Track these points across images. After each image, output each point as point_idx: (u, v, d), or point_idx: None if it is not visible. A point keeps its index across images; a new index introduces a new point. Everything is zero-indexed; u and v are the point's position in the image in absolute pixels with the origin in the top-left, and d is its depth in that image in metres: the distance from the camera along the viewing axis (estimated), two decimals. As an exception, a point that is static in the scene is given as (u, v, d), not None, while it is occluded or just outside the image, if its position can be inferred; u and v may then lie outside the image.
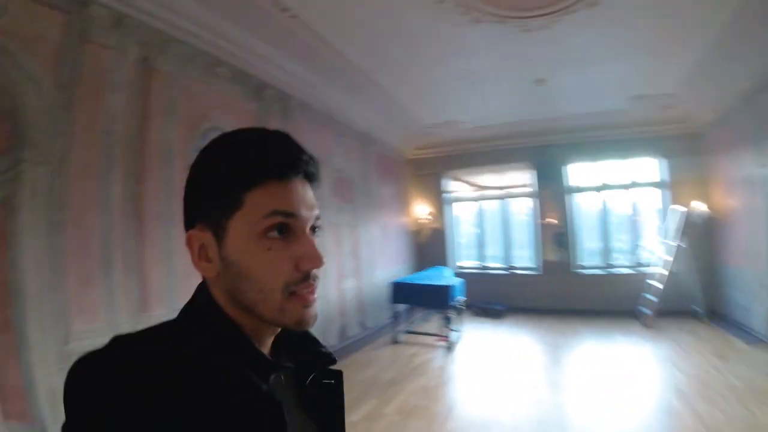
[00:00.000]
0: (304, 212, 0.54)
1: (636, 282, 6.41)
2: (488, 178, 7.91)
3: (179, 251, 2.97)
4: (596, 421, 3.16)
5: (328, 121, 5.34)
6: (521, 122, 6.69)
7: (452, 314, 5.32)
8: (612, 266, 6.97)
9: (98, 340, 0.48)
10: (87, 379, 0.44)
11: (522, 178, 7.49)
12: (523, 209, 7.73)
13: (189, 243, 0.55)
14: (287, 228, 0.52)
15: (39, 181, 2.42)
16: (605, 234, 7.04)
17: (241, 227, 0.51)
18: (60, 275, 2.46)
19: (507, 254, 7.72)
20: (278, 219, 0.51)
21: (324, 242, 5.00)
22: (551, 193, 7.17)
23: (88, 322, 2.58)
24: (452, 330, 5.27)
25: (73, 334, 2.48)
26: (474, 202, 8.16)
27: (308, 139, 4.87)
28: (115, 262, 2.73)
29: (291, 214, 0.52)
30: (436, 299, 5.23)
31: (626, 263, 6.95)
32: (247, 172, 0.52)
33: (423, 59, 4.61)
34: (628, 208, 7.01)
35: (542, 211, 7.26)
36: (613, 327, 5.82)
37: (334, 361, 0.65)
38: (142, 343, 0.49)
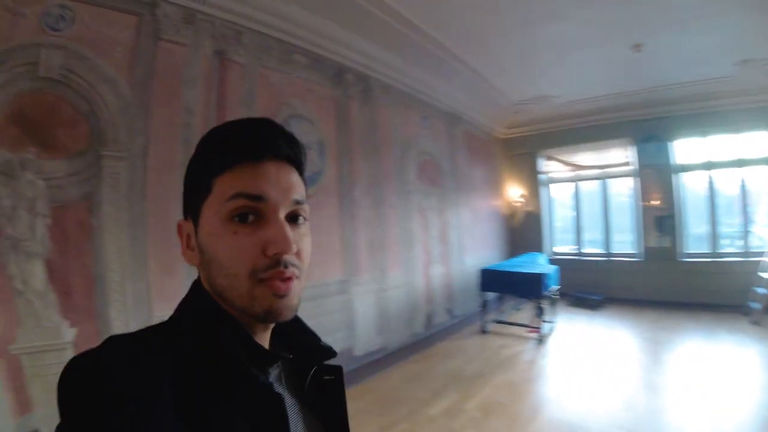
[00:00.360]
0: (274, 195, 0.49)
1: (746, 272, 5.37)
2: (585, 157, 6.93)
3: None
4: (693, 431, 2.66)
5: (411, 103, 4.98)
6: (618, 94, 5.78)
7: (545, 304, 4.71)
8: (720, 254, 5.88)
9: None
10: (81, 379, 0.40)
11: (622, 155, 6.53)
12: (623, 190, 6.72)
13: (178, 232, 0.53)
14: (256, 212, 0.48)
15: (120, 175, 2.45)
16: (713, 217, 5.92)
17: (209, 211, 0.49)
18: (142, 265, 2.49)
19: (606, 239, 6.75)
20: (242, 201, 0.48)
21: (411, 226, 4.61)
22: (654, 171, 6.16)
23: (170, 309, 2.52)
24: (544, 321, 4.69)
25: (155, 320, 2.44)
26: (570, 183, 7.22)
27: (392, 121, 4.61)
28: None
29: (258, 197, 0.48)
30: (528, 288, 4.64)
31: (736, 251, 5.82)
32: (216, 157, 0.49)
33: (508, 28, 4.02)
34: (738, 188, 5.82)
35: (644, 191, 6.26)
36: (718, 323, 5.00)
37: (333, 355, 0.59)
38: (138, 342, 0.45)
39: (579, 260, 6.85)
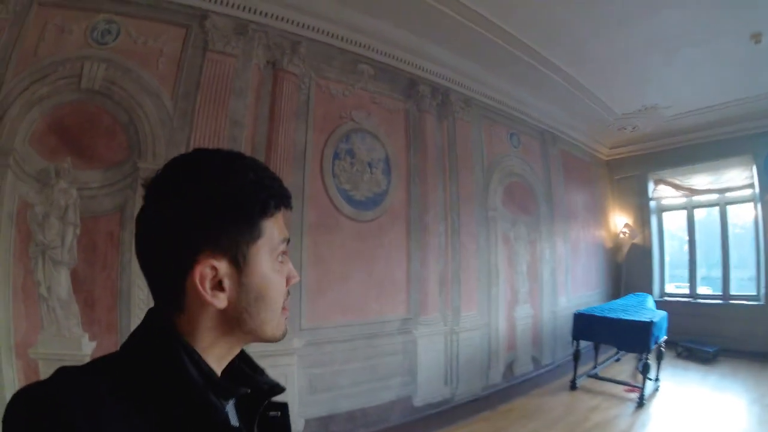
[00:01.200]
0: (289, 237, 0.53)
1: None
2: (700, 179, 5.11)
3: (311, 262, 2.46)
4: None
5: (497, 118, 4.05)
6: (738, 101, 4.19)
7: (650, 359, 3.28)
8: None
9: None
10: (29, 413, 0.34)
11: (742, 177, 4.81)
12: (744, 218, 4.94)
13: (202, 273, 0.42)
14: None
15: (155, 188, 1.84)
16: None
17: (262, 254, 0.45)
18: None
19: (723, 278, 4.86)
20: (286, 245, 0.49)
21: (493, 259, 3.57)
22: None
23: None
24: (648, 378, 3.28)
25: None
26: (682, 211, 5.37)
27: (474, 139, 3.71)
28: None
29: (288, 240, 0.50)
30: (633, 339, 3.25)
31: None
32: (269, 202, 0.45)
33: (604, 24, 2.92)
34: None
35: (769, 220, 4.87)
36: None
37: (281, 391, 0.51)
38: (90, 374, 0.40)
39: (691, 303, 5.04)
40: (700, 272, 5.21)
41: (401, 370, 2.82)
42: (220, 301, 0.43)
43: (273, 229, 0.46)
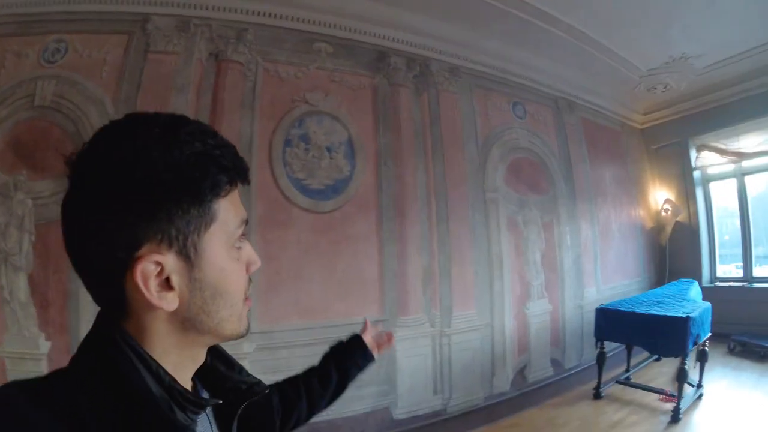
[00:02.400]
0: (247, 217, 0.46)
1: None
2: (749, 140, 4.40)
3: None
4: None
5: (494, 86, 3.67)
6: None
7: (690, 363, 2.79)
8: None
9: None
10: None
11: None
12: None
13: (145, 273, 0.36)
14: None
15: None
16: None
17: (217, 242, 0.40)
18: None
19: None
20: (244, 227, 0.44)
21: (495, 248, 3.28)
22: None
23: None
24: (688, 384, 2.81)
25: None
26: (731, 180, 4.69)
27: (464, 110, 3.35)
28: None
29: (246, 221, 0.44)
30: (665, 339, 2.75)
31: None
32: (221, 178, 0.39)
33: None
34: None
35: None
36: None
37: (263, 390, 0.50)
38: (37, 394, 0.34)
39: (746, 288, 4.40)
40: (757, 251, 4.47)
41: (377, 379, 2.61)
42: (169, 302, 0.38)
43: (228, 210, 0.40)
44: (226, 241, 0.40)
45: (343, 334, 0.87)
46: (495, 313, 3.22)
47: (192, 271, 0.38)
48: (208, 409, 0.45)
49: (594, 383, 3.22)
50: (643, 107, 5.01)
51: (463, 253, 3.10)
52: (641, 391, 3.11)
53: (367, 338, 0.90)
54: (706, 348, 3.00)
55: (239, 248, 0.42)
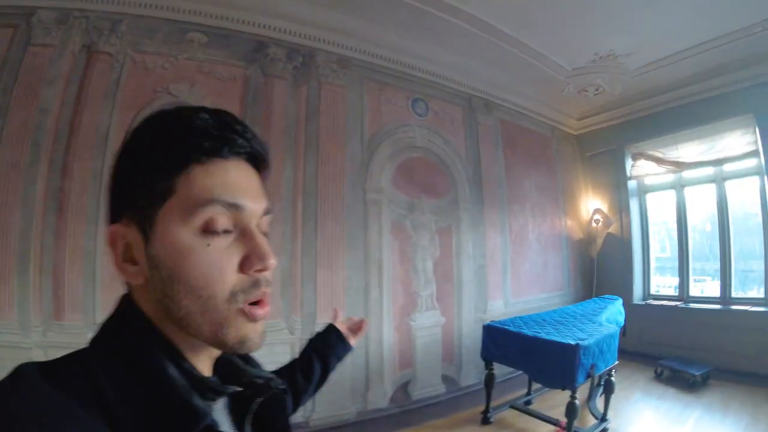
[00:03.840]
0: (250, 204, 0.42)
1: None
2: (690, 149, 4.43)
3: (103, 252, 2.54)
4: None
5: (391, 81, 3.59)
6: (726, 38, 3.48)
7: (577, 396, 2.61)
8: None
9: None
10: None
11: (742, 142, 4.05)
12: (749, 197, 4.15)
13: (111, 241, 0.41)
14: (230, 222, 0.41)
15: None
16: None
17: (172, 219, 0.39)
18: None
19: (722, 274, 4.20)
20: (218, 209, 0.40)
21: (378, 254, 3.26)
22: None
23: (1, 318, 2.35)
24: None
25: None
26: (669, 191, 4.74)
27: (351, 105, 3.37)
28: (29, 262, 2.42)
29: (234, 206, 0.41)
30: (551, 368, 2.65)
31: None
32: (177, 149, 0.39)
33: None
34: None
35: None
36: None
37: (279, 385, 0.51)
38: (54, 376, 0.35)
39: (680, 309, 4.33)
40: (700, 266, 4.39)
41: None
42: (131, 274, 0.40)
43: (192, 185, 0.39)
44: (184, 218, 0.39)
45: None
46: (371, 323, 3.13)
47: (147, 247, 0.39)
48: (224, 404, 0.47)
49: (481, 406, 3.13)
50: (578, 112, 4.92)
51: (333, 256, 3.05)
52: (533, 420, 2.99)
53: (342, 327, 0.96)
54: (612, 378, 2.85)
55: (222, 233, 0.40)
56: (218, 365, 0.48)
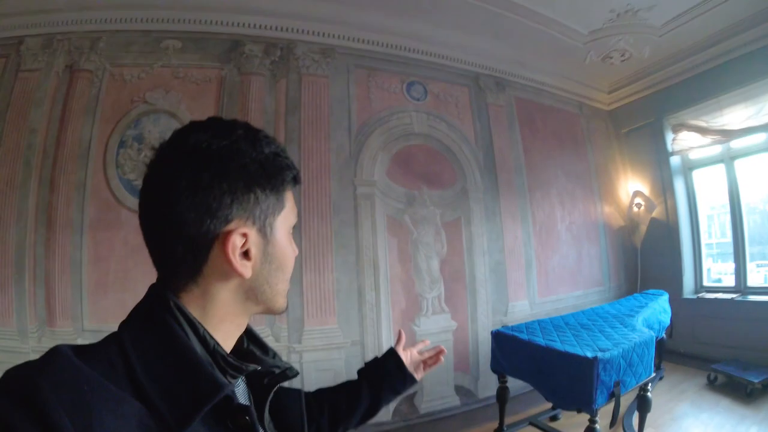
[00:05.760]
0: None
1: None
2: (734, 115, 3.56)
3: (91, 261, 2.63)
4: None
5: (382, 65, 3.26)
6: None
7: (598, 419, 2.05)
8: None
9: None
10: (8, 403, 0.33)
11: None
12: None
13: (234, 243, 0.46)
14: None
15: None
16: None
17: (284, 225, 0.52)
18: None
19: None
20: (297, 219, 0.54)
21: (372, 253, 3.02)
22: None
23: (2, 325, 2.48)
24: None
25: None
26: (719, 165, 3.89)
27: (336, 95, 3.13)
28: (24, 272, 2.53)
29: (297, 220, 0.54)
30: (562, 384, 2.12)
31: None
32: (289, 175, 0.51)
33: None
34: None
35: None
36: None
37: (295, 375, 0.56)
38: (87, 357, 0.39)
39: (736, 302, 3.50)
40: (753, 252, 3.54)
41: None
42: (247, 269, 0.47)
43: (290, 201, 0.52)
44: (288, 226, 0.52)
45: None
46: (367, 329, 2.81)
47: (266, 246, 0.48)
48: (244, 390, 0.52)
49: (514, 417, 2.71)
50: (607, 84, 4.22)
51: (320, 257, 2.79)
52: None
53: (404, 354, 0.86)
54: (648, 394, 2.27)
55: (291, 234, 0.53)
56: (238, 356, 0.50)
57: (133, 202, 2.69)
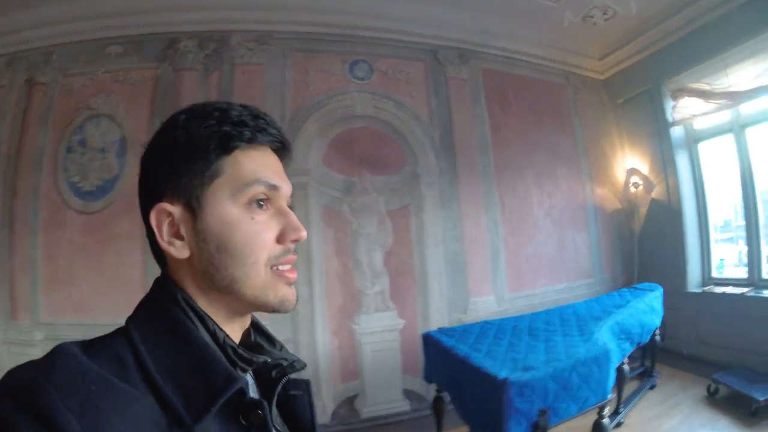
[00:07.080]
0: (284, 187, 0.47)
1: None
2: (744, 73, 2.82)
3: (43, 259, 2.76)
4: None
5: (322, 46, 3.09)
6: None
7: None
8: None
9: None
10: (20, 398, 0.31)
11: None
12: None
13: (157, 219, 0.43)
14: (268, 200, 0.45)
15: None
16: None
17: (220, 196, 0.43)
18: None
19: None
20: (262, 188, 0.45)
21: (306, 245, 2.87)
22: None
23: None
24: None
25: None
26: (727, 136, 3.16)
27: (270, 81, 3.04)
28: None
29: (274, 187, 0.45)
30: (476, 404, 1.78)
31: None
32: (223, 136, 0.43)
33: None
34: None
35: None
36: None
37: (303, 366, 0.52)
38: (94, 353, 0.37)
39: (747, 298, 2.83)
40: None
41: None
42: (178, 249, 0.43)
43: (240, 166, 0.43)
44: (232, 195, 0.43)
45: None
46: (300, 327, 2.63)
47: (195, 222, 0.42)
48: (251, 383, 0.48)
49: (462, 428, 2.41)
50: (597, 49, 3.59)
51: None
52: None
53: None
54: (604, 420, 1.86)
55: (263, 210, 0.44)
56: (246, 349, 0.46)
57: (78, 203, 2.83)
